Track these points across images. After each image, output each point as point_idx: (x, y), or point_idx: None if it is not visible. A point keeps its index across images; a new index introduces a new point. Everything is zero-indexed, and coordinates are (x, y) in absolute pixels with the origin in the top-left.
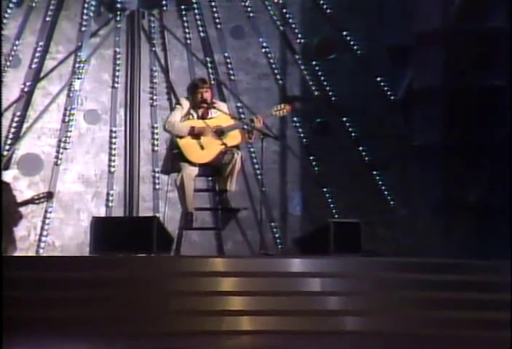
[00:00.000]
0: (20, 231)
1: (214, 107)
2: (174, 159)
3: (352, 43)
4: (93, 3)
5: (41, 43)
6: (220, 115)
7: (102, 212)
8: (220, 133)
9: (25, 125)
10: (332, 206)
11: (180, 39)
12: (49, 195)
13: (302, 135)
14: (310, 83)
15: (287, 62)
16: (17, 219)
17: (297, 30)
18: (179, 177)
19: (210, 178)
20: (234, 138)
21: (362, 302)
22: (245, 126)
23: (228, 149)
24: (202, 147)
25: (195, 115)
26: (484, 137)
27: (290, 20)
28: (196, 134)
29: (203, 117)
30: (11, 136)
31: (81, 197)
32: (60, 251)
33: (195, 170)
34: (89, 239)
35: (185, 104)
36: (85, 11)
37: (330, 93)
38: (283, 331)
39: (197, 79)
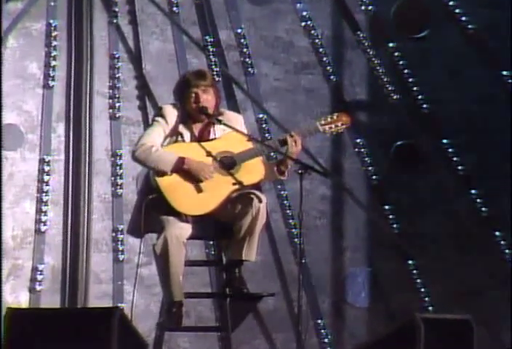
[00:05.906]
0: None
1: (220, 122)
2: (151, 210)
3: (457, 12)
4: None
5: None
6: (230, 133)
7: (23, 301)
8: (229, 164)
9: None
10: (422, 290)
11: (161, 5)
12: None
13: (370, 169)
14: (385, 79)
15: (344, 44)
16: None
17: None
18: (160, 241)
19: (211, 242)
20: (253, 172)
21: None
22: (270, 153)
23: (244, 191)
24: (199, 189)
25: (187, 136)
26: None
27: None
28: (187, 169)
29: (201, 138)
30: None
31: None
32: None
33: (187, 229)
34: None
35: (171, 115)
36: None
37: (419, 97)
38: None
39: (190, 72)
